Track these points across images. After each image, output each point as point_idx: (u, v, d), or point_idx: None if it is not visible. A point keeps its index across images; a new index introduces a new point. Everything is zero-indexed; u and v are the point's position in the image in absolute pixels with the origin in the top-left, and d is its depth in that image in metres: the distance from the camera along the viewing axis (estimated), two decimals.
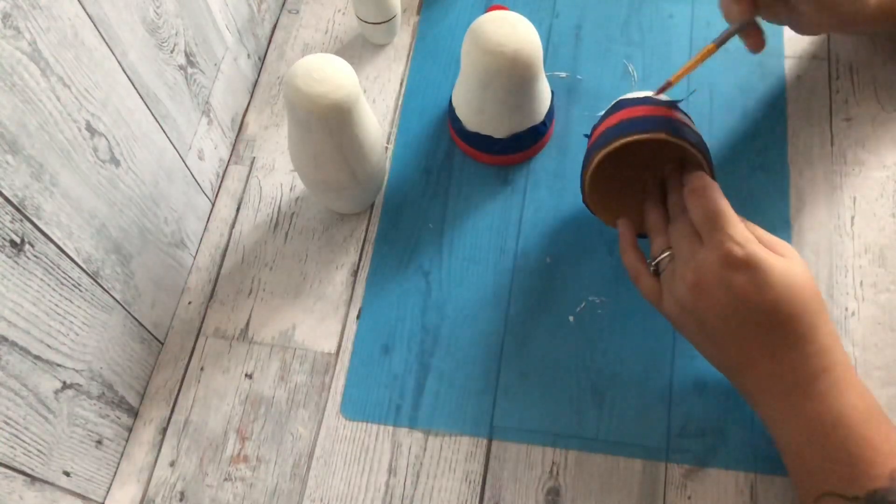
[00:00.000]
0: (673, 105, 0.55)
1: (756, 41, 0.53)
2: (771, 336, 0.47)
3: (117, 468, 0.57)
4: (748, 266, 0.46)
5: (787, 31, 0.70)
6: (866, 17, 0.56)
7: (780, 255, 0.48)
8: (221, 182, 0.67)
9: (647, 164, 0.57)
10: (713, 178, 0.53)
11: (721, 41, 0.53)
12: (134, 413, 0.59)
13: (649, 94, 0.56)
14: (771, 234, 0.50)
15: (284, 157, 0.68)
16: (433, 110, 0.69)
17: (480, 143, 0.64)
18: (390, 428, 0.57)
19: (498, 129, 0.62)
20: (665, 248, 0.52)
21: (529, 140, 0.64)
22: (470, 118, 0.62)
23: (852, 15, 0.55)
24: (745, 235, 0.48)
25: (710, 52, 0.53)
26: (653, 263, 0.53)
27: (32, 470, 0.47)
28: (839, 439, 0.45)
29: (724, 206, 0.49)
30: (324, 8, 0.75)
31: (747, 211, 0.62)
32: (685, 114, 0.56)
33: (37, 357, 0.46)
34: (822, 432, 0.46)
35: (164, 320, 0.61)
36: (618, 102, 0.58)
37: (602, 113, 0.59)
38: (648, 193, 0.57)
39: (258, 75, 0.72)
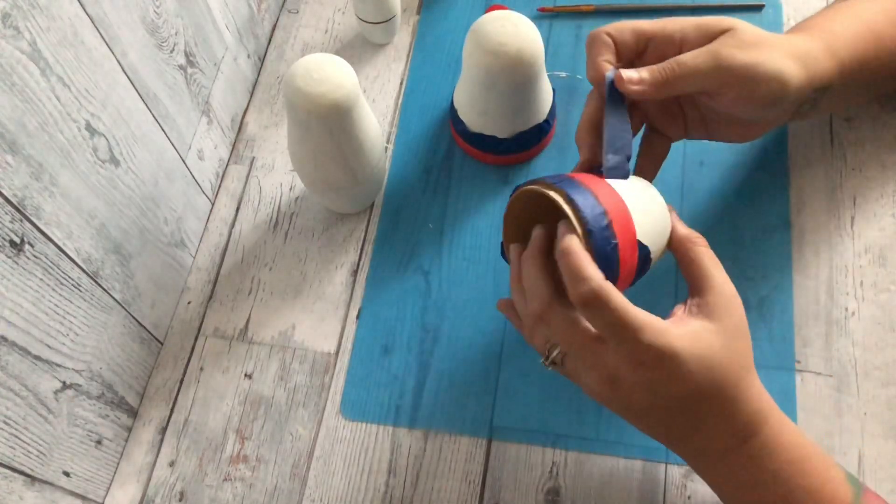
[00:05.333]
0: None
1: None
2: (696, 414, 0.46)
3: (117, 468, 0.57)
4: (661, 365, 0.43)
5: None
6: (790, 105, 0.51)
7: (706, 317, 0.45)
8: (221, 182, 0.67)
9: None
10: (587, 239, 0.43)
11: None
12: (133, 413, 0.59)
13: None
14: (703, 275, 0.46)
15: (284, 157, 0.68)
16: (433, 110, 0.69)
17: (484, 143, 0.64)
18: (390, 428, 0.57)
19: (502, 129, 0.62)
20: (551, 343, 0.46)
21: (533, 139, 0.64)
22: (473, 119, 0.62)
23: (774, 111, 0.51)
24: (656, 329, 0.43)
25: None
26: (545, 362, 0.47)
27: (32, 470, 0.47)
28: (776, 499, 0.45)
29: (620, 309, 0.42)
30: (324, 8, 0.75)
31: (747, 211, 0.63)
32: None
33: (37, 357, 0.46)
34: (759, 499, 0.46)
35: (164, 320, 0.61)
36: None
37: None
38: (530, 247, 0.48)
39: (258, 75, 0.72)
